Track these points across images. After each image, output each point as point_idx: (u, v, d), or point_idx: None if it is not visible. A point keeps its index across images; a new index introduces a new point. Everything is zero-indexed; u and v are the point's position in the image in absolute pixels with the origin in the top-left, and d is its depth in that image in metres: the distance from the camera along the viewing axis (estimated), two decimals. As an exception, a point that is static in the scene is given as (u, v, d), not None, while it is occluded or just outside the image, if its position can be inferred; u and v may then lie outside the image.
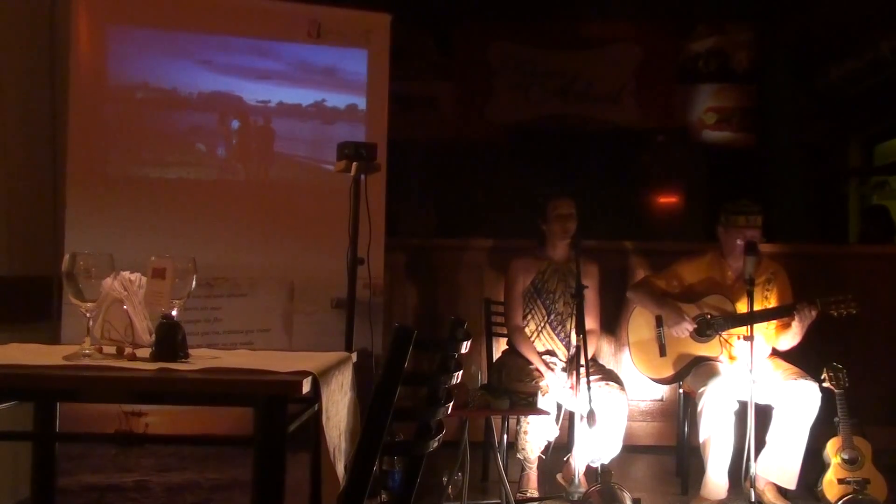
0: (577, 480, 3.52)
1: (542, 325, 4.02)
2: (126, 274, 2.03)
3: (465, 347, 1.90)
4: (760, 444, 3.63)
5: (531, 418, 3.68)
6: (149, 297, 1.92)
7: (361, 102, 4.26)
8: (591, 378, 3.55)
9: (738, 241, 3.88)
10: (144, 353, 1.91)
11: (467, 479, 3.37)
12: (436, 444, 1.80)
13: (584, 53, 7.92)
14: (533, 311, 4.05)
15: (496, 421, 3.81)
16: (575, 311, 3.70)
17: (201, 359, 1.90)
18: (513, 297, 4.09)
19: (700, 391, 3.71)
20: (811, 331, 3.83)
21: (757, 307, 3.75)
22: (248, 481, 1.87)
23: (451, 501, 3.41)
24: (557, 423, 3.75)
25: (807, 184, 7.54)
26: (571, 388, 3.62)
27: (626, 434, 3.79)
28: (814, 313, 3.75)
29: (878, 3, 6.56)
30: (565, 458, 3.84)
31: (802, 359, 3.91)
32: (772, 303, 3.93)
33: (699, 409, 3.71)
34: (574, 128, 7.88)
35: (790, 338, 3.86)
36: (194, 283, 1.91)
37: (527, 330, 4.04)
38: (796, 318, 3.76)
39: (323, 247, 3.96)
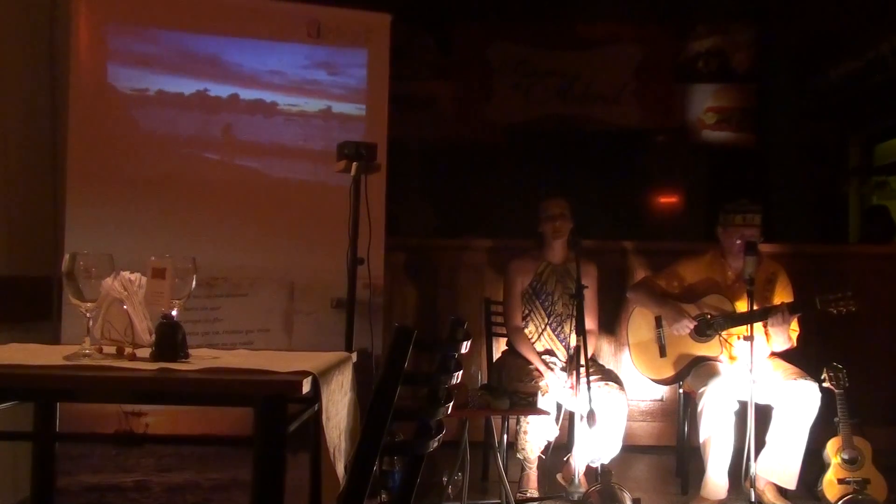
0: (577, 480, 3.52)
1: (543, 327, 4.02)
2: (126, 274, 2.02)
3: (465, 347, 1.90)
4: (760, 444, 3.63)
5: (531, 418, 3.68)
6: (149, 297, 1.92)
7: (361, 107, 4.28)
8: (591, 378, 3.55)
9: (737, 241, 3.88)
10: (144, 353, 1.91)
11: (467, 479, 3.37)
12: (436, 444, 1.80)
13: (584, 53, 7.92)
14: (532, 313, 4.05)
15: (496, 421, 3.81)
16: (574, 312, 3.70)
17: (201, 359, 1.90)
18: (512, 298, 4.09)
19: (700, 391, 3.71)
20: (811, 331, 3.82)
21: (757, 308, 3.75)
22: (248, 481, 1.87)
23: (451, 501, 3.40)
24: (557, 423, 3.75)
25: (807, 184, 7.54)
26: (571, 388, 3.62)
27: (625, 434, 3.79)
28: (791, 317, 3.74)
29: (878, 3, 6.56)
30: (565, 458, 3.84)
31: (802, 359, 3.90)
32: (772, 303, 3.92)
33: (699, 409, 3.71)
34: (574, 128, 7.88)
35: (776, 342, 3.85)
36: (194, 283, 1.91)
37: (527, 332, 4.04)
38: (769, 322, 3.74)
39: (323, 247, 3.95)
